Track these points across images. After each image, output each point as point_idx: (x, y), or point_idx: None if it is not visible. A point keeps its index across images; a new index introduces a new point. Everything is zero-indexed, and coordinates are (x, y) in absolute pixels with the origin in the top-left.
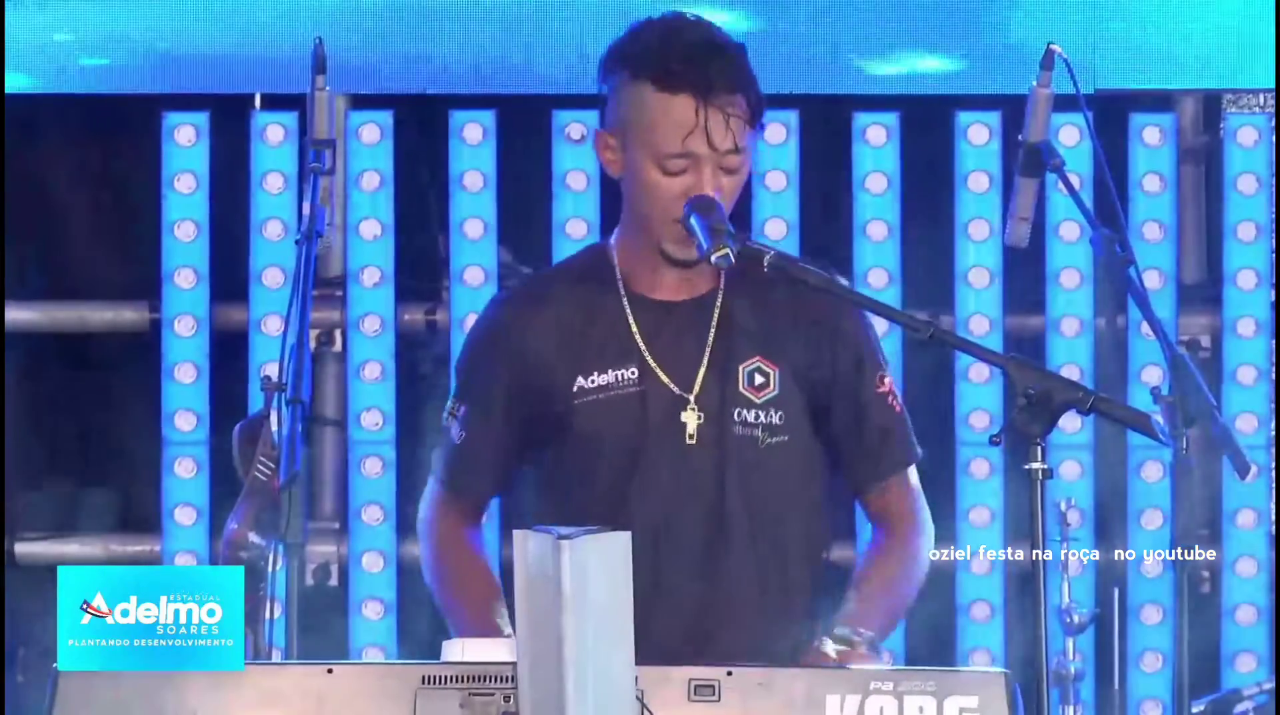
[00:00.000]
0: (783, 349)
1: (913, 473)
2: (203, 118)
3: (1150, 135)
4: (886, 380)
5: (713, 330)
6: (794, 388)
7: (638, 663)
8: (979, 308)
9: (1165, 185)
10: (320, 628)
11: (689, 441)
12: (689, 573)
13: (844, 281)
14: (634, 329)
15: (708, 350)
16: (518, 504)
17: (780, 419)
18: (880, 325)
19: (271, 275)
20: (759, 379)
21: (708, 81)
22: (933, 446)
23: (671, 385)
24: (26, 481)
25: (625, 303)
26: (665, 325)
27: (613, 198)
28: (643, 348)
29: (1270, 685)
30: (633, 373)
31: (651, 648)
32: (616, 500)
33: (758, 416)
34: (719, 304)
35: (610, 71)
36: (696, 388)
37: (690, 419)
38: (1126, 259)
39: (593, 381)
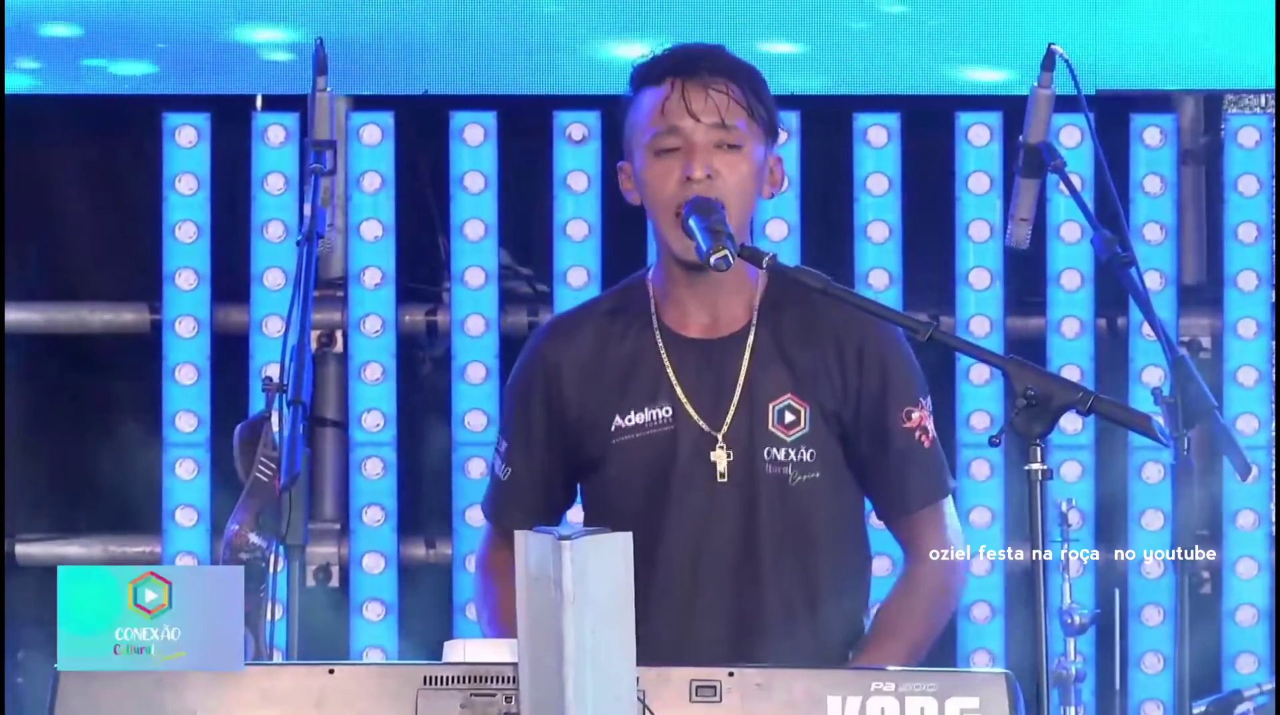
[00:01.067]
0: (812, 385)
1: (944, 505)
2: (204, 119)
3: (1151, 136)
4: (915, 415)
5: (744, 368)
6: (824, 424)
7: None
8: (979, 309)
9: (1166, 186)
10: (321, 629)
11: (720, 480)
12: (720, 611)
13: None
14: (668, 367)
15: (738, 388)
16: None
17: (811, 457)
18: None
19: (272, 276)
20: (789, 417)
21: (690, 64)
22: None
23: (702, 423)
24: (27, 482)
25: (659, 339)
26: (698, 363)
27: (612, 198)
28: (676, 386)
29: (1270, 686)
30: (666, 412)
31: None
32: (649, 539)
33: (788, 455)
34: (750, 342)
35: (621, 107)
36: (725, 426)
37: (720, 458)
38: (1127, 260)
39: (629, 421)
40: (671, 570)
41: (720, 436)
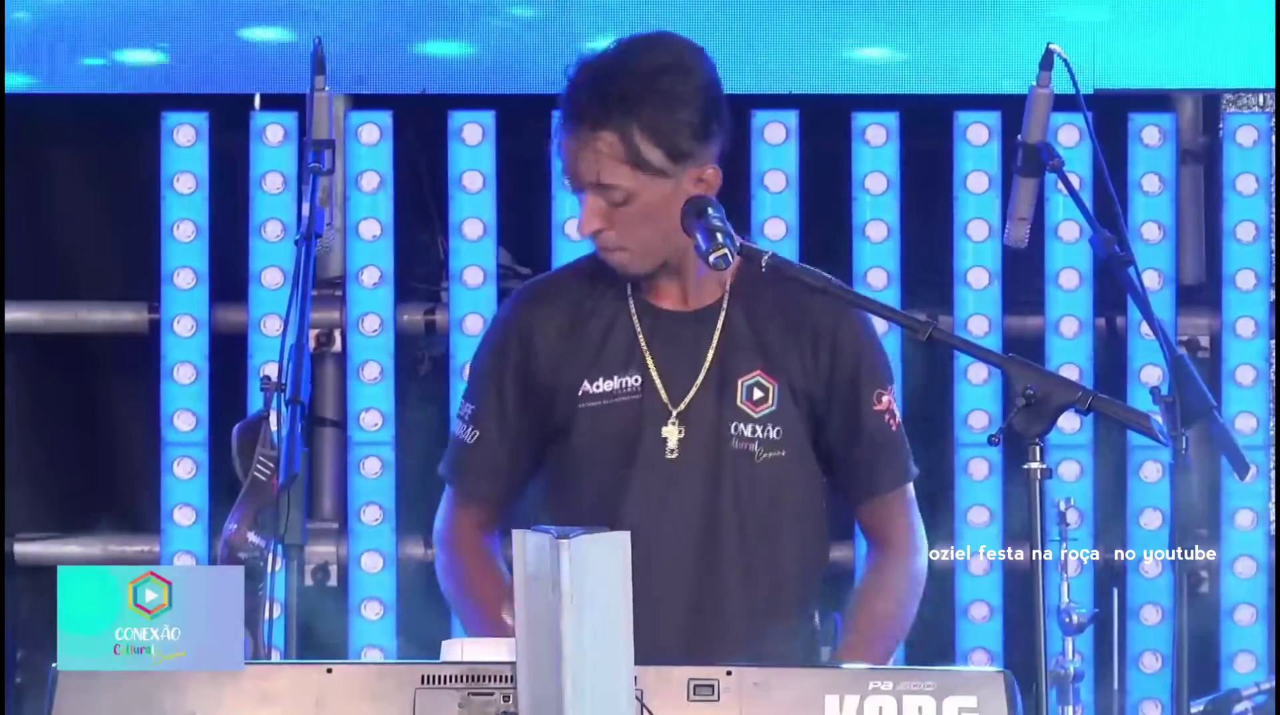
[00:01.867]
0: (783, 363)
1: (908, 490)
2: (202, 118)
3: (1149, 135)
4: (885, 398)
5: (714, 342)
6: (793, 403)
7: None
8: (978, 308)
9: (1164, 185)
10: (319, 628)
11: (669, 456)
12: (678, 587)
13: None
14: (639, 336)
15: (706, 363)
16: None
17: (778, 434)
18: (880, 325)
19: (271, 275)
20: (758, 393)
21: (574, 116)
22: (931, 447)
23: (665, 396)
24: (25, 482)
25: (633, 308)
26: (669, 334)
27: None
28: (647, 355)
29: (1269, 685)
30: (636, 381)
31: (640, 647)
32: (607, 509)
33: (754, 431)
34: (722, 316)
35: None
36: (685, 402)
37: (671, 433)
38: (1126, 259)
39: (598, 387)
40: (635, 543)
41: (675, 411)
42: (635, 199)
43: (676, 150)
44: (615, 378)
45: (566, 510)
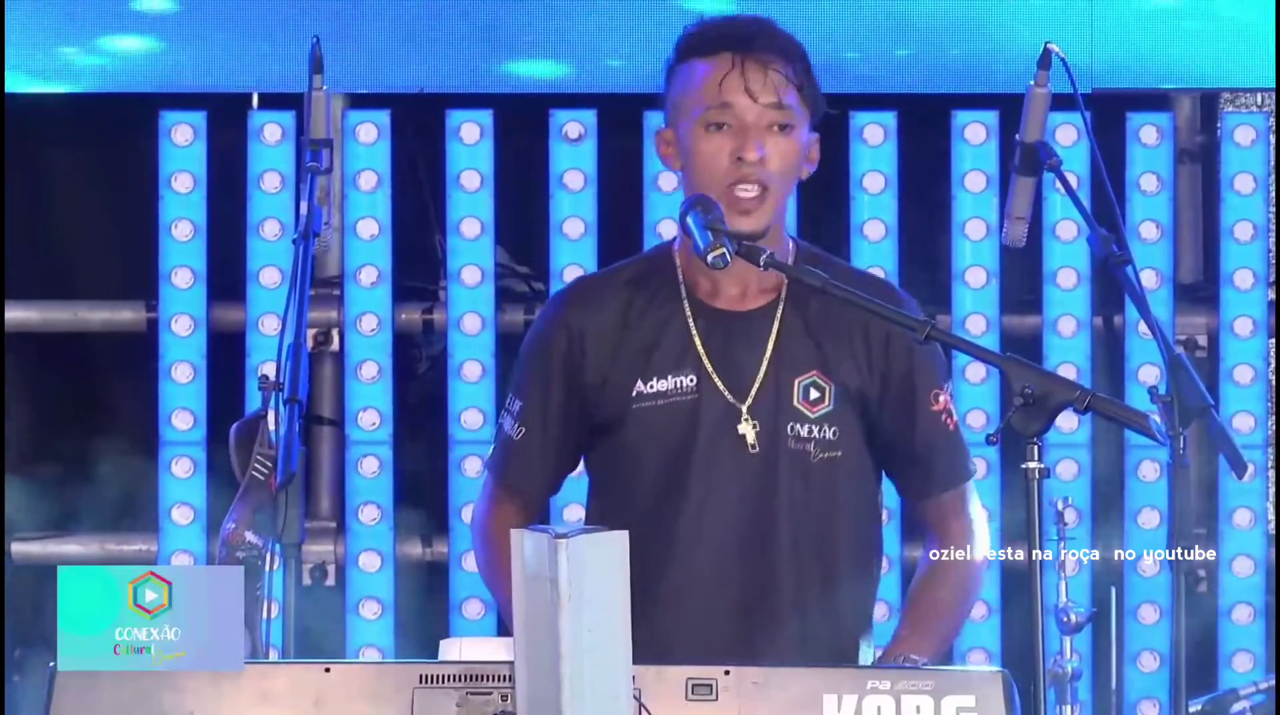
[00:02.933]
0: (839, 364)
1: (967, 488)
2: (200, 117)
3: (1147, 135)
4: (941, 397)
5: (771, 342)
6: (848, 403)
7: (661, 660)
8: (976, 307)
9: (1162, 185)
10: (317, 627)
11: (751, 451)
12: (732, 582)
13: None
14: (695, 336)
15: (764, 362)
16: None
17: (834, 434)
18: None
19: (269, 275)
20: (814, 394)
21: (747, 40)
22: None
23: (728, 394)
24: (23, 481)
25: (687, 308)
26: (725, 334)
27: (609, 196)
28: (703, 355)
29: (1267, 684)
30: (691, 380)
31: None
32: (667, 507)
33: (811, 431)
34: (779, 316)
35: (669, 71)
36: (750, 398)
37: (748, 430)
38: (1123, 258)
39: (652, 387)
40: (689, 541)
41: (745, 408)
42: (794, 131)
43: (818, 104)
44: (670, 377)
45: (617, 508)
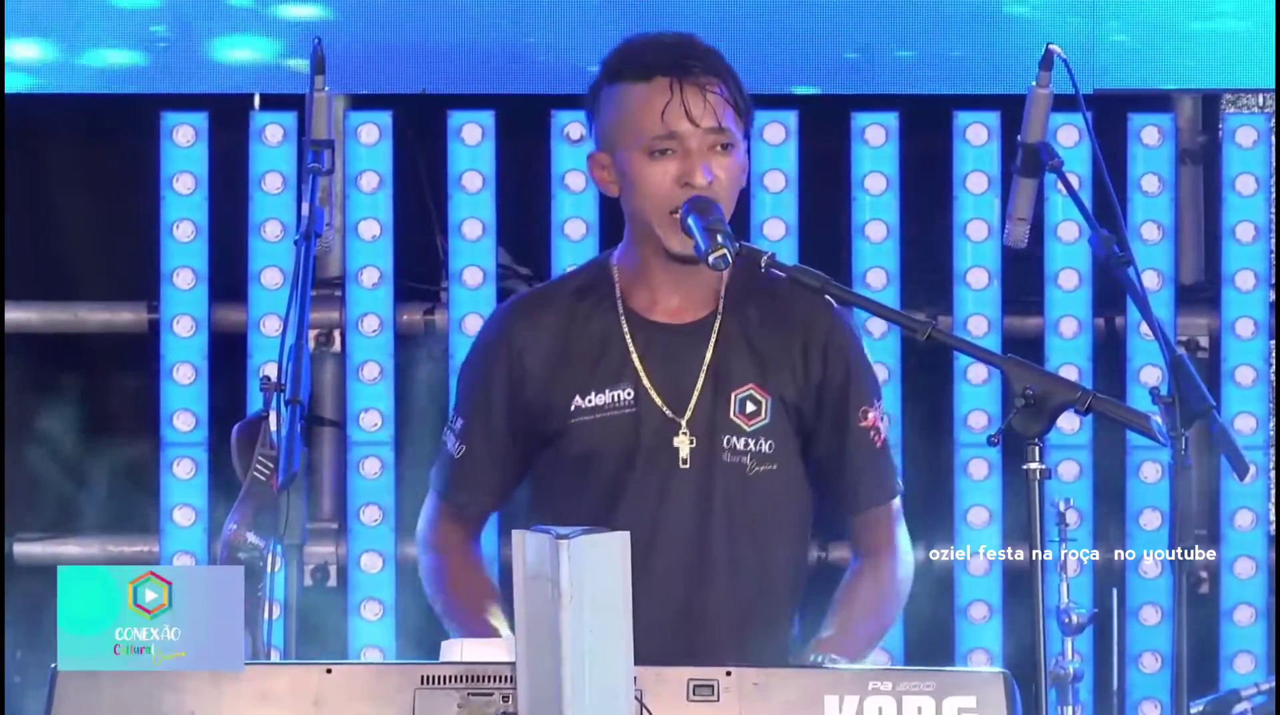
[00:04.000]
0: (777, 375)
1: (894, 506)
2: (202, 118)
3: (1149, 135)
4: (871, 414)
5: (708, 355)
6: (784, 416)
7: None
8: (977, 308)
9: (1164, 186)
10: (319, 628)
11: (682, 466)
12: (670, 595)
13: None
14: (631, 350)
15: (702, 375)
16: (513, 515)
17: (770, 448)
18: (879, 326)
19: (270, 276)
20: (750, 407)
21: (682, 64)
22: (931, 447)
23: (665, 408)
24: (25, 481)
25: (624, 322)
26: (662, 347)
27: (612, 200)
28: (639, 369)
29: (1268, 686)
30: (628, 394)
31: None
32: (602, 518)
33: (747, 444)
34: (716, 328)
35: (593, 96)
36: (689, 412)
37: (683, 443)
38: (1125, 259)
39: (589, 401)
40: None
41: (684, 422)
42: (735, 149)
43: (751, 115)
44: (607, 391)
45: (556, 521)
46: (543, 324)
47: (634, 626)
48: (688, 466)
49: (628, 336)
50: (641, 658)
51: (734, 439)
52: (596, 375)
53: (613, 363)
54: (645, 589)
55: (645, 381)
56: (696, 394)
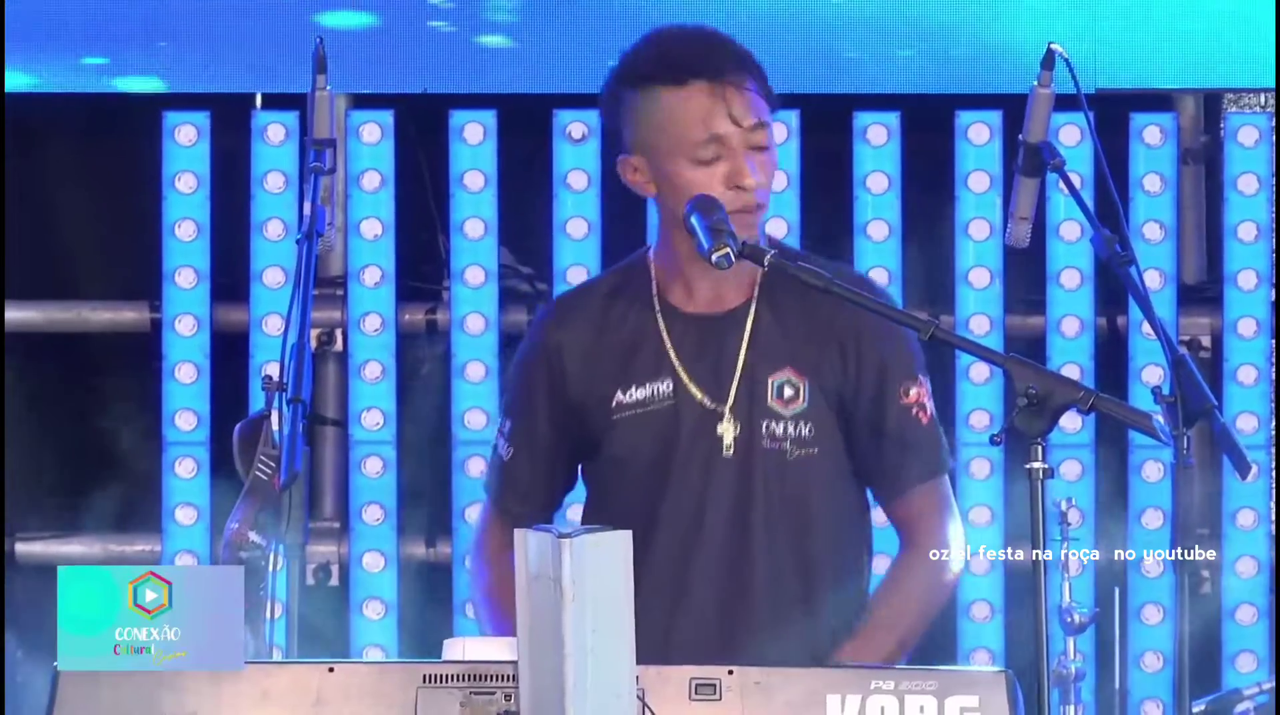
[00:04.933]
0: (812, 361)
1: (940, 486)
2: (203, 117)
3: (1151, 135)
4: (914, 391)
5: (744, 343)
6: (823, 400)
7: (655, 663)
8: (979, 307)
9: (1166, 185)
10: (321, 628)
11: (725, 453)
12: (712, 585)
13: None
14: (667, 343)
15: (739, 362)
16: None
17: (810, 432)
18: None
19: (272, 275)
20: (788, 392)
21: (715, 64)
22: None
23: (704, 398)
24: (26, 481)
25: (659, 316)
26: (698, 338)
27: (612, 196)
28: (675, 362)
29: (1270, 685)
30: (667, 386)
31: (675, 653)
32: (649, 512)
33: (786, 429)
34: (751, 316)
35: (615, 98)
36: (731, 399)
37: (727, 431)
38: (1127, 259)
39: (630, 396)
40: (668, 543)
41: (726, 410)
42: (771, 144)
43: (775, 104)
44: (647, 385)
45: (601, 515)
46: (578, 322)
47: (676, 615)
48: (731, 453)
49: (663, 330)
50: (685, 647)
51: (773, 424)
52: (634, 370)
53: (649, 357)
54: (687, 578)
55: (682, 373)
56: (735, 382)
